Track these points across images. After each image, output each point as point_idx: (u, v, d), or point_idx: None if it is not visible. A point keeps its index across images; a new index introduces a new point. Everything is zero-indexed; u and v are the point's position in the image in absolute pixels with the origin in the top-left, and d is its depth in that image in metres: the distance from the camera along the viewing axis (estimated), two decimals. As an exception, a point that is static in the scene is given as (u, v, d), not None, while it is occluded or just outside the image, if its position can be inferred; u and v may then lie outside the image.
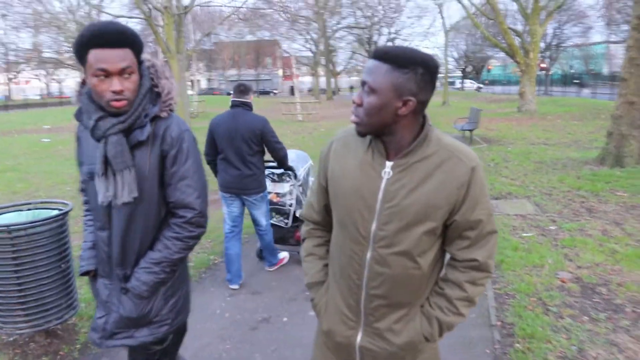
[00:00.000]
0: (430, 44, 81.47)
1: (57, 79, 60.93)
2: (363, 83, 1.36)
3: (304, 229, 1.69)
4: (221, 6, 22.20)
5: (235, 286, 4.06)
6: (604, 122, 14.61)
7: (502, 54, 27.26)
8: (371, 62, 1.35)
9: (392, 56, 1.30)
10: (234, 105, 3.93)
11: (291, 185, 4.52)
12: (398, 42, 50.16)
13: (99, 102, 1.65)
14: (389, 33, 48.90)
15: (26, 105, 43.87)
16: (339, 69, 54.54)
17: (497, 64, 63.73)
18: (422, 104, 1.35)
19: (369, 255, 1.42)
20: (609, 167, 8.23)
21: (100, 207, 1.73)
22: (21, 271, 2.84)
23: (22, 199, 7.63)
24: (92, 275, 1.89)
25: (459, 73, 61.00)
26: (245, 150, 3.83)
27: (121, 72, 1.60)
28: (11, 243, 2.80)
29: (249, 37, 50.50)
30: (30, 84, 71.66)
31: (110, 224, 1.76)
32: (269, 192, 4.43)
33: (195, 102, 26.47)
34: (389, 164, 1.39)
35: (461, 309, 1.43)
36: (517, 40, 23.40)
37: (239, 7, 20.51)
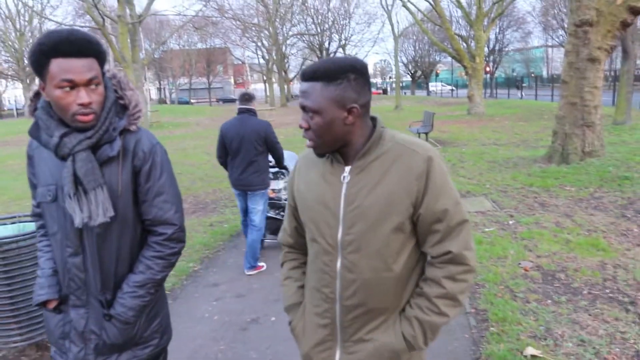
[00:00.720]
0: (380, 50, 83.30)
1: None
2: (303, 107, 1.35)
3: (281, 255, 1.68)
4: (176, 14, 21.98)
5: (250, 271, 4.56)
6: (547, 122, 15.53)
7: (449, 59, 28.31)
8: (304, 85, 1.34)
9: (321, 73, 1.31)
10: (241, 111, 4.43)
11: (285, 182, 4.98)
12: (349, 48, 51.07)
13: (62, 117, 1.53)
14: (339, 39, 49.73)
15: (-38, 119, 41.53)
16: (291, 75, 54.81)
17: (444, 68, 65.91)
18: (365, 107, 1.36)
19: (339, 263, 1.39)
20: (556, 164, 8.80)
21: (71, 231, 1.60)
22: (13, 284, 2.85)
23: (-23, 216, 7.35)
24: (52, 305, 1.69)
25: (408, 78, 62.56)
26: (252, 150, 4.31)
27: (88, 83, 1.49)
28: (2, 257, 2.81)
29: (199, 45, 50.02)
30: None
31: (83, 248, 1.61)
32: None
33: (149, 111, 25.91)
34: (347, 168, 1.40)
35: (442, 307, 1.35)
36: (463, 46, 24.40)
37: (193, 17, 20.34)
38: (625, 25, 8.45)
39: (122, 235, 1.63)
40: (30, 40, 39.94)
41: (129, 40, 11.60)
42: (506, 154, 10.77)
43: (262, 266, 4.69)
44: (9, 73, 41.12)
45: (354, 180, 1.37)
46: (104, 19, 10.64)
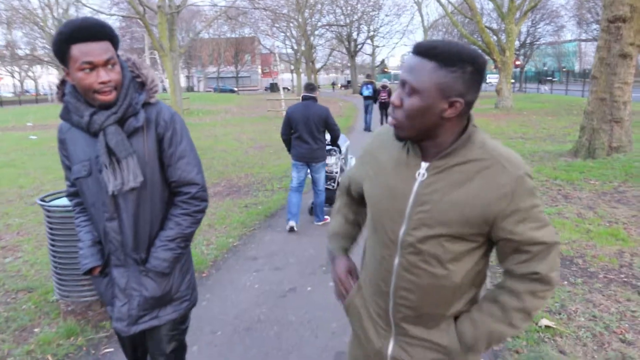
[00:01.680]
0: (409, 42, 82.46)
1: (32, 77, 59.70)
2: (403, 83, 1.23)
3: (337, 194, 1.72)
4: (211, 6, 22.35)
5: (293, 223, 5.40)
6: (576, 118, 15.44)
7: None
8: (412, 59, 1.21)
9: (438, 52, 1.17)
10: (305, 98, 5.41)
11: (337, 158, 6.14)
12: (377, 40, 50.89)
13: (86, 97, 1.69)
14: (368, 31, 49.60)
15: (1, 102, 42.99)
16: (317, 66, 54.98)
17: (473, 61, 64.95)
18: (469, 105, 1.23)
19: (396, 261, 1.32)
20: (582, 159, 8.90)
21: (106, 198, 1.76)
22: (86, 246, 3.25)
23: (30, 192, 7.89)
24: (97, 271, 1.87)
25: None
26: (315, 130, 5.29)
27: (105, 64, 1.63)
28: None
29: (228, 34, 50.56)
30: (2, 81, 70.09)
31: (118, 213, 1.79)
32: None
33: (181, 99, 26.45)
34: (424, 164, 1.28)
35: (515, 320, 1.26)
36: (493, 39, 24.22)
37: (229, 7, 20.75)
38: (658, 21, 8.45)
39: (152, 198, 1.81)
40: (67, 27, 41.16)
41: (167, 30, 11.98)
42: (532, 147, 10.86)
43: (328, 219, 5.70)
44: (46, 59, 42.37)
45: (429, 180, 1.26)
46: (144, 9, 11.06)
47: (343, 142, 6.42)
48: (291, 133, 5.42)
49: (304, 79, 43.91)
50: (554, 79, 41.07)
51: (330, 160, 6.08)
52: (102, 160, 1.71)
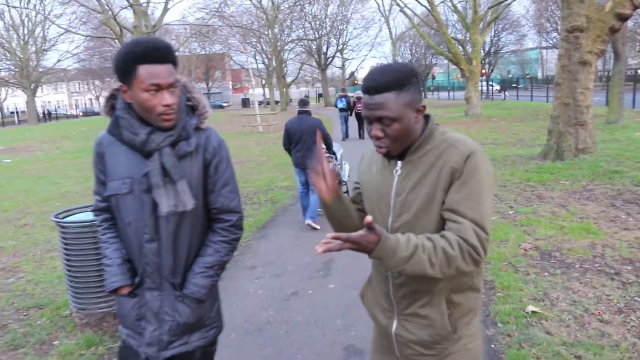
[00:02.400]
0: (377, 53, 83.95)
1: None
2: (379, 118, 1.41)
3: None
4: (185, 24, 22.49)
5: (310, 221, 6.12)
6: (543, 122, 16.15)
7: (445, 61, 28.94)
8: (376, 98, 1.40)
9: (392, 84, 1.39)
10: (300, 112, 6.19)
11: (333, 165, 6.43)
12: (346, 53, 51.78)
13: (146, 117, 1.67)
14: (337, 44, 50.43)
15: (-35, 126, 41.91)
16: (288, 80, 55.45)
17: (440, 71, 66.67)
18: (423, 105, 1.48)
19: None
20: (552, 161, 9.40)
21: (148, 219, 1.73)
22: (101, 259, 3.41)
23: (14, 216, 7.88)
24: (125, 291, 1.82)
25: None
26: (309, 140, 6.02)
27: (170, 87, 1.63)
28: (93, 236, 3.37)
29: (198, 51, 50.58)
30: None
31: (158, 235, 1.75)
32: None
33: None
34: (400, 162, 1.51)
35: (436, 260, 1.34)
36: (459, 49, 25.05)
37: (202, 25, 20.95)
38: (613, 30, 9.07)
39: (193, 223, 1.78)
40: (33, 49, 40.51)
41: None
42: (504, 152, 11.37)
43: (318, 227, 6.10)
44: (11, 81, 41.56)
45: (404, 173, 1.49)
46: (121, 30, 11.17)
47: (337, 149, 7.11)
48: (290, 143, 6.18)
49: (276, 94, 44.27)
50: (519, 86, 42.50)
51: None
52: (155, 181, 1.68)
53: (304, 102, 6.33)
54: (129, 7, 11.42)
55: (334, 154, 6.62)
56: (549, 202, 6.66)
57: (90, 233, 3.37)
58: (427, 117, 1.51)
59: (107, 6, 11.19)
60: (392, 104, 1.39)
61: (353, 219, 1.66)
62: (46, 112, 56.01)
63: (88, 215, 3.54)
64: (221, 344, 3.29)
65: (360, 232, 1.31)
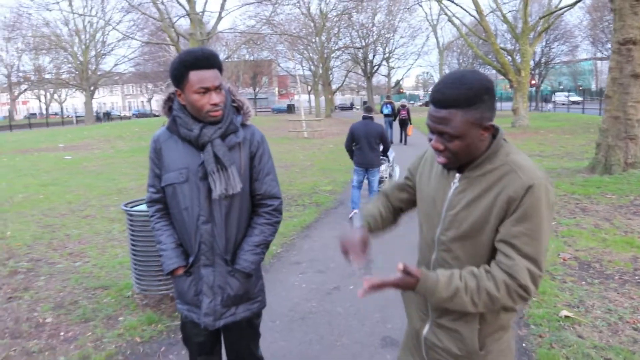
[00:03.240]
0: (424, 62, 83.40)
1: (58, 100, 61.70)
2: (440, 133, 1.38)
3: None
4: (236, 32, 23.31)
5: (357, 211, 6.80)
6: (593, 136, 15.70)
7: (493, 71, 28.51)
8: (442, 112, 1.35)
9: (461, 100, 1.32)
10: (365, 117, 6.94)
11: (386, 166, 7.91)
12: (392, 61, 51.78)
13: (197, 115, 1.93)
14: (384, 52, 50.53)
15: (29, 125, 44.53)
16: (334, 87, 55.92)
17: (488, 81, 65.37)
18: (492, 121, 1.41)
19: (433, 257, 1.53)
20: (599, 175, 9.25)
21: (204, 203, 1.97)
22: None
23: (77, 208, 8.51)
24: (181, 271, 2.06)
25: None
26: (373, 142, 6.76)
27: (216, 89, 1.90)
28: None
29: (247, 57, 51.87)
30: (28, 105, 72.45)
31: (212, 217, 2.00)
32: None
33: None
34: (458, 175, 1.47)
35: (479, 300, 1.36)
36: (508, 59, 24.70)
37: (254, 34, 21.72)
38: (668, 43, 8.88)
39: (241, 206, 2.05)
40: (93, 52, 42.78)
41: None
42: (550, 164, 11.23)
43: None
44: (72, 83, 43.92)
45: (460, 188, 1.45)
46: (178, 37, 11.76)
47: (390, 153, 7.95)
48: (353, 144, 6.88)
49: (321, 101, 44.82)
50: (571, 98, 41.28)
51: (382, 167, 7.63)
52: (210, 168, 1.93)
53: (369, 109, 7.29)
54: (187, 16, 12.01)
55: (387, 156, 7.51)
56: (593, 215, 6.63)
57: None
58: (496, 131, 1.44)
59: (167, 15, 11.83)
60: (456, 122, 1.34)
61: (391, 220, 1.80)
62: (106, 113, 59.33)
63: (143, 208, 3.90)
64: (267, 329, 3.59)
65: (398, 276, 1.40)
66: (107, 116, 58.60)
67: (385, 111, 18.19)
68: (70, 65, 43.27)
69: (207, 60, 1.89)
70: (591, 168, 9.72)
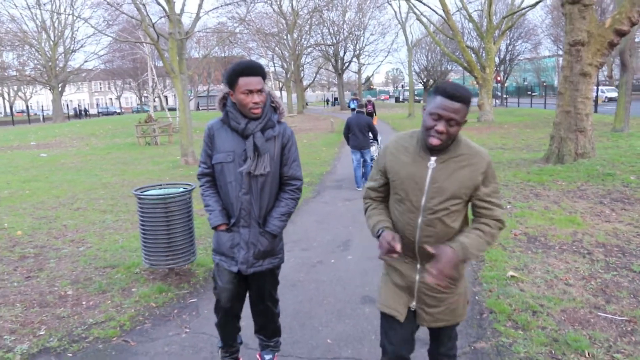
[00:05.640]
0: (393, 59, 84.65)
1: (22, 97, 60.22)
2: (449, 120, 1.93)
3: (365, 199, 2.35)
4: (218, 32, 23.49)
5: (360, 188, 9.18)
6: (551, 129, 16.81)
7: (460, 68, 29.61)
8: (457, 105, 1.92)
9: (467, 99, 1.94)
10: (358, 112, 9.54)
11: (376, 147, 9.84)
12: (363, 58, 52.62)
13: (243, 111, 2.51)
14: (354, 49, 51.31)
15: (-6, 123, 43.51)
16: (305, 83, 56.42)
17: (456, 77, 67.13)
18: None
19: (419, 220, 2.05)
20: (553, 164, 10.14)
21: (245, 178, 2.55)
22: (170, 227, 4.33)
23: (66, 201, 8.88)
24: (223, 228, 2.64)
25: (420, 87, 63.83)
26: (363, 130, 9.11)
27: (258, 91, 2.48)
28: (164, 208, 4.29)
29: (218, 53, 51.88)
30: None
31: (250, 190, 2.58)
32: None
33: (177, 117, 26.52)
34: (433, 158, 2.03)
35: (489, 240, 2.06)
36: (473, 57, 25.75)
37: (230, 33, 22.09)
38: (612, 45, 9.82)
39: (272, 184, 2.64)
40: (62, 49, 42.12)
41: (176, 54, 13.04)
42: (510, 156, 12.13)
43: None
44: (40, 80, 43.05)
45: (438, 167, 2.02)
46: (158, 36, 12.14)
47: (379, 137, 10.03)
48: (349, 132, 9.13)
49: (293, 97, 45.30)
50: (533, 94, 42.93)
51: (372, 148, 9.74)
52: (249, 154, 2.53)
53: (360, 105, 9.99)
54: (166, 17, 12.41)
55: (377, 140, 9.66)
56: (544, 200, 7.44)
57: (161, 205, 4.29)
58: None
59: (147, 15, 12.21)
60: (462, 113, 1.94)
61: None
62: (82, 110, 58.83)
63: (158, 192, 4.47)
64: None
65: (435, 262, 1.96)
66: (85, 113, 58.25)
67: (352, 106, 21.19)
68: (37, 61, 42.48)
69: (253, 70, 2.48)
70: (546, 158, 10.62)
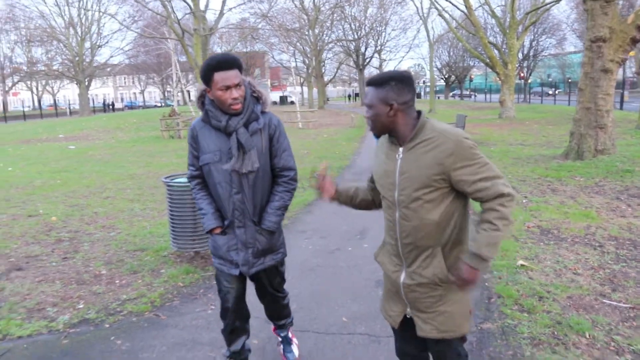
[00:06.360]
0: (415, 55, 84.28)
1: (50, 91, 61.79)
2: (369, 106, 1.92)
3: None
4: (238, 28, 23.84)
5: None
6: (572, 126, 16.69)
7: (481, 64, 29.43)
8: (367, 89, 1.95)
9: (373, 81, 1.90)
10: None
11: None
12: (384, 54, 52.52)
13: (222, 108, 2.36)
14: (375, 45, 51.24)
15: (23, 116, 44.77)
16: (326, 79, 56.55)
17: (478, 73, 66.50)
18: (405, 104, 1.88)
19: (397, 215, 1.95)
20: (572, 160, 10.16)
21: (235, 177, 2.41)
22: (196, 212, 4.60)
23: (96, 190, 9.28)
24: (218, 231, 2.53)
25: (442, 83, 63.43)
26: None
27: (236, 86, 2.31)
28: (190, 194, 4.57)
29: (240, 48, 52.38)
30: (18, 97, 72.26)
31: (242, 189, 2.45)
32: None
33: (193, 112, 24.77)
34: (401, 149, 1.93)
35: (500, 225, 1.75)
36: (496, 53, 25.57)
37: (252, 29, 22.46)
38: (634, 41, 9.78)
39: (264, 179, 2.50)
40: (88, 44, 43.16)
41: (200, 49, 13.38)
42: (530, 152, 12.15)
43: None
44: (67, 74, 44.19)
45: (405, 157, 1.91)
46: (183, 32, 12.49)
47: None
48: None
49: (314, 92, 45.56)
50: (558, 90, 42.32)
51: None
52: (234, 151, 2.38)
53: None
54: (191, 13, 12.73)
55: None
56: (561, 195, 7.53)
57: (188, 192, 4.57)
58: (419, 113, 1.94)
59: (173, 12, 12.57)
60: (370, 95, 1.93)
61: (360, 197, 2.29)
62: (110, 104, 60.45)
63: (185, 180, 4.73)
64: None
65: (456, 274, 1.88)
66: (112, 107, 59.94)
67: None
68: (64, 56, 43.60)
69: (228, 63, 2.32)
70: (565, 155, 10.64)
